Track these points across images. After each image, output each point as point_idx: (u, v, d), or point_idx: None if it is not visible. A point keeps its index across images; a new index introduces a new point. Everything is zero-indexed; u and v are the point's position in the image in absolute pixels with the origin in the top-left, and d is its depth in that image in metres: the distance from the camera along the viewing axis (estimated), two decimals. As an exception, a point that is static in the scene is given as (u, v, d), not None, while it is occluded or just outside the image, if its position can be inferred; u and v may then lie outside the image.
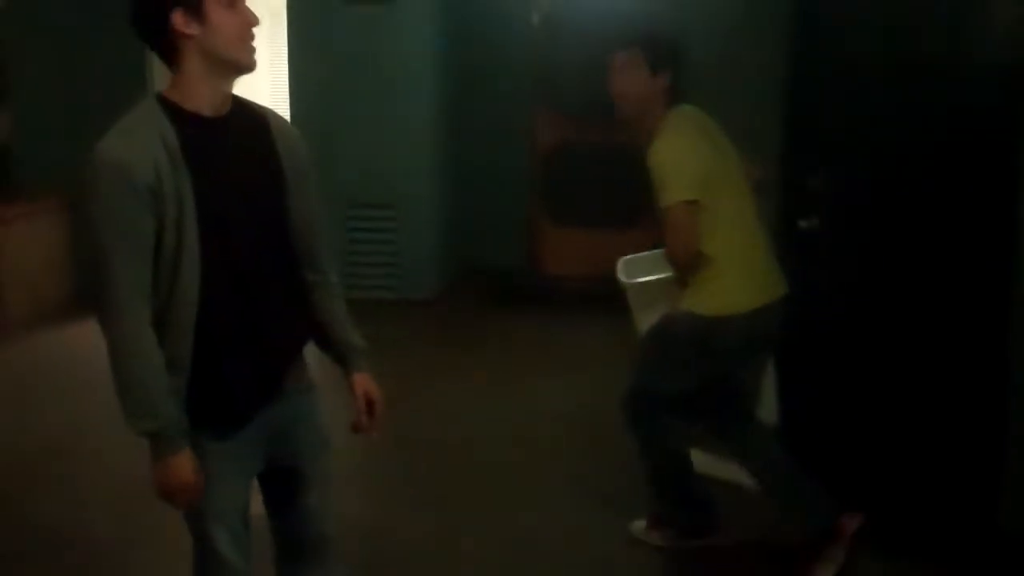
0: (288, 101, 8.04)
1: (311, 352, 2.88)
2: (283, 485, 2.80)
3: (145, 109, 2.49)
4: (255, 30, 2.55)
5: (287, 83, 8.12)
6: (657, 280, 4.34)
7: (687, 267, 3.77)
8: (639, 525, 4.34)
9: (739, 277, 3.81)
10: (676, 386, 3.90)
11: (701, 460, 4.36)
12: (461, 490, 4.93)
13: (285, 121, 2.82)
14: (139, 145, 2.39)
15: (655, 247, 4.51)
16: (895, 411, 4.36)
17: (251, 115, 2.69)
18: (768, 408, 4.65)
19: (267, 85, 8.78)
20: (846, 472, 4.32)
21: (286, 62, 8.12)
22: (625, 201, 7.87)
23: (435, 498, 4.84)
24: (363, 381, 2.92)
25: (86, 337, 7.15)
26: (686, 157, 3.77)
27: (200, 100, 2.50)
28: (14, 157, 8.33)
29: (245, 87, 2.63)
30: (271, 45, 8.35)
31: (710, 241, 3.73)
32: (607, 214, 7.94)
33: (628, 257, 4.90)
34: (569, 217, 8.05)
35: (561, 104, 7.91)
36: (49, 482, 5.01)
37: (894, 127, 4.29)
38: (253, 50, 2.56)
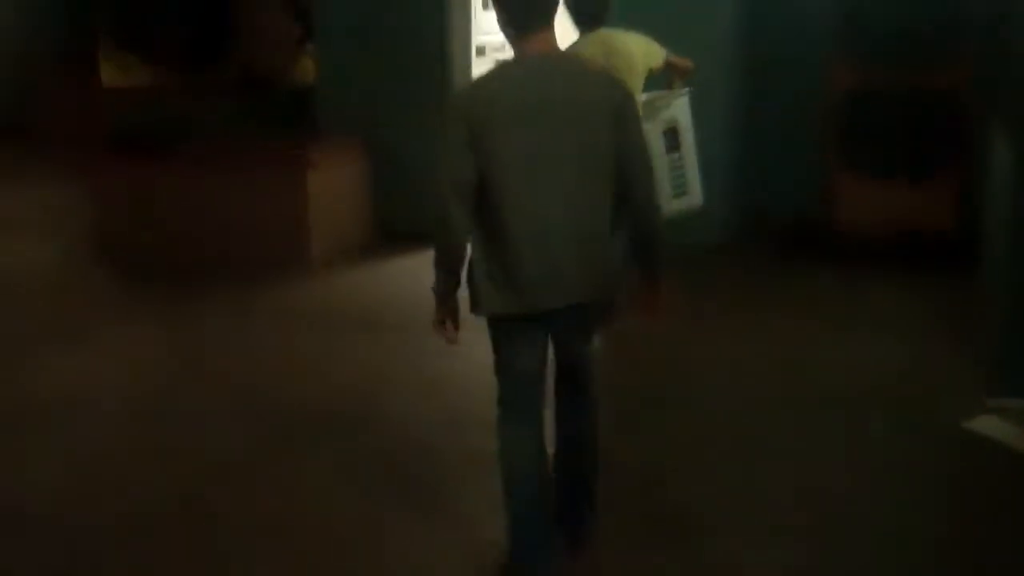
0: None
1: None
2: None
3: None
4: None
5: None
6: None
7: None
8: None
9: None
10: None
11: None
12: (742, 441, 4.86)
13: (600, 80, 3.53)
14: None
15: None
16: None
17: None
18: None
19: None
20: None
21: None
22: (923, 150, 7.57)
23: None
24: None
25: (384, 278, 7.59)
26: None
27: None
28: (318, 101, 8.72)
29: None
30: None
31: None
32: (904, 164, 7.64)
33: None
34: (863, 166, 7.76)
35: (859, 45, 7.64)
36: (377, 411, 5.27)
37: None
38: None
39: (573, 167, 3.33)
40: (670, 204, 5.66)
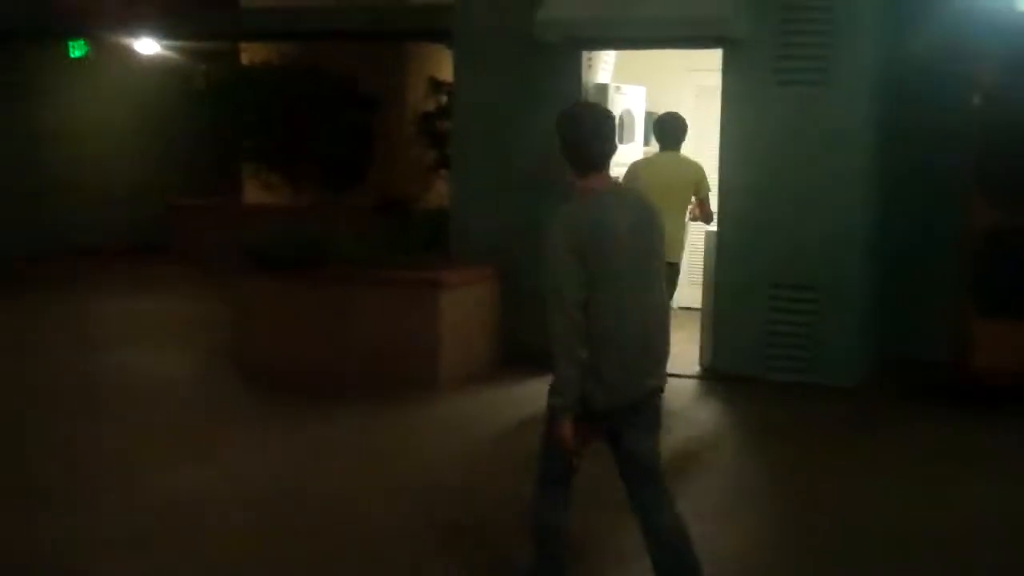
0: (718, 177, 8.10)
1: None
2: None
3: None
4: None
5: (719, 159, 8.19)
6: None
7: None
8: None
9: None
10: None
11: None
12: None
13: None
14: None
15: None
16: None
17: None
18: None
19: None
20: None
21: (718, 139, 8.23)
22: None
23: None
24: None
25: (508, 397, 7.64)
26: None
27: None
28: (452, 224, 8.95)
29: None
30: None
31: None
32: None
33: None
34: (1002, 308, 7.54)
35: (1000, 188, 7.51)
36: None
37: None
38: None
39: (652, 276, 4.01)
40: None
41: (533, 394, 7.57)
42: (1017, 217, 7.49)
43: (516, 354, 8.37)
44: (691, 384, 8.05)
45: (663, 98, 9.67)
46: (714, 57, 8.12)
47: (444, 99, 12.32)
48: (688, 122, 7.55)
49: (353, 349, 7.93)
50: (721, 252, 8.13)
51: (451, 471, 6.15)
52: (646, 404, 3.99)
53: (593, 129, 3.96)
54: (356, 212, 12.36)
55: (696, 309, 8.75)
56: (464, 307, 8.13)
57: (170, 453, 6.38)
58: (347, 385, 7.73)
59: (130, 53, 14.12)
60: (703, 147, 8.54)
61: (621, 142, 8.60)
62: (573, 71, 8.43)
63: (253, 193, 14.24)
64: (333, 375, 7.85)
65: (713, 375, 8.13)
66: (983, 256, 7.63)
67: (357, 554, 4.94)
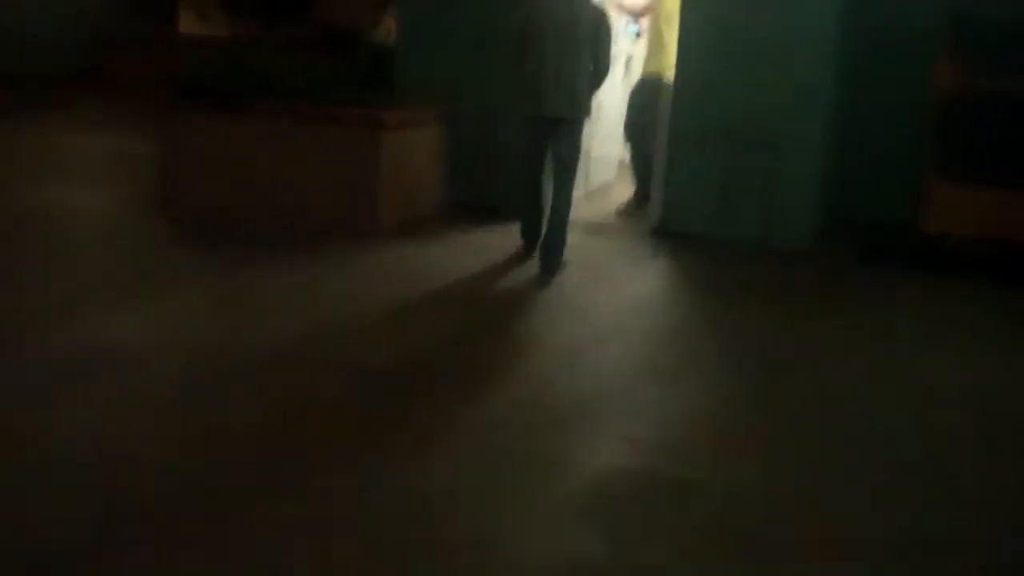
0: (678, 26, 7.71)
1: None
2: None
3: None
4: None
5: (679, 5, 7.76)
6: None
7: None
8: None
9: None
10: None
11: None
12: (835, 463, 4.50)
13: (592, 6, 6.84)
14: None
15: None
16: None
17: None
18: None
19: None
20: None
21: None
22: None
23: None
24: None
25: (451, 250, 7.36)
26: None
27: None
28: (397, 64, 8.48)
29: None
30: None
31: None
32: (1010, 172, 7.28)
33: None
34: (965, 172, 7.40)
35: (966, 49, 7.31)
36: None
37: None
38: None
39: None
40: None
41: (477, 245, 7.37)
42: (986, 79, 7.25)
43: (457, 205, 8.05)
44: (641, 242, 7.81)
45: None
46: None
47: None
48: None
49: (287, 191, 7.54)
50: (676, 103, 7.76)
51: (377, 321, 5.88)
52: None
53: None
54: (299, 46, 11.77)
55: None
56: (405, 150, 7.73)
57: (84, 301, 5.95)
58: (280, 230, 7.35)
59: None
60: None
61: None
62: None
63: (189, 24, 13.54)
64: (265, 219, 7.46)
65: (664, 233, 7.86)
66: (946, 118, 7.41)
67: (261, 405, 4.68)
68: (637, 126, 8.33)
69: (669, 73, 7.88)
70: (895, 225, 7.87)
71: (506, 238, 7.42)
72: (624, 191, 8.70)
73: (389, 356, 5.33)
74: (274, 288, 6.31)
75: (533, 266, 6.92)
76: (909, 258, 7.52)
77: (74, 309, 5.71)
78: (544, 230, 6.87)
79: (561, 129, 6.76)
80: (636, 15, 8.32)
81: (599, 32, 6.73)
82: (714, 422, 4.79)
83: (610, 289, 6.71)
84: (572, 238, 7.09)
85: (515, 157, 7.23)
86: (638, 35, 8.38)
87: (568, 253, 6.88)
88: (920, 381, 5.40)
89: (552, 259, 6.77)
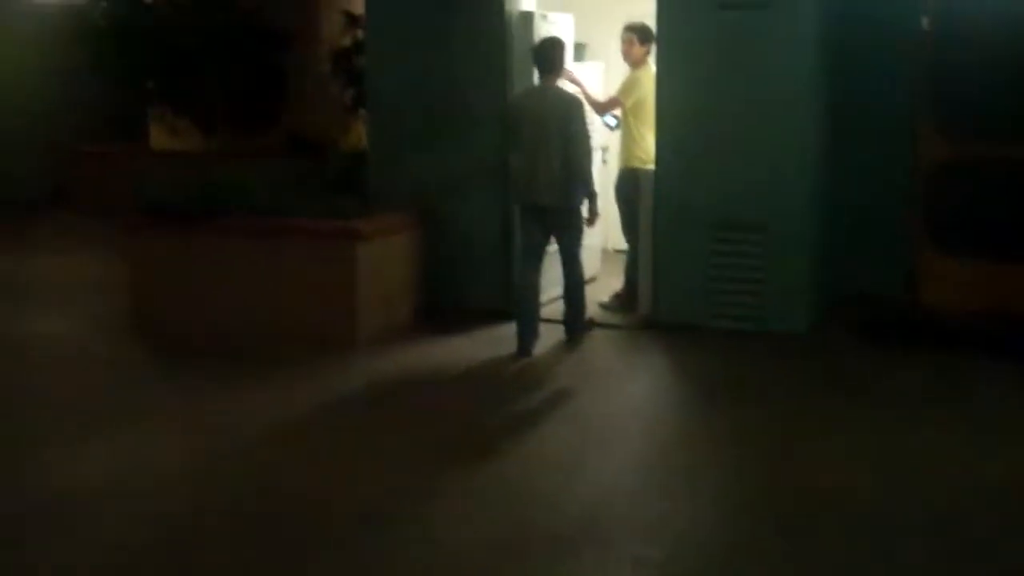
0: (655, 110, 7.55)
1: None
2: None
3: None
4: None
5: (655, 91, 7.59)
6: None
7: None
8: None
9: None
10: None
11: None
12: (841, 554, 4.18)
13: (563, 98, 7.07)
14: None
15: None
16: None
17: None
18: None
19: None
20: None
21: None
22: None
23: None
24: None
25: (428, 359, 7.09)
26: None
27: None
28: (368, 169, 8.27)
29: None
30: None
31: None
32: (1004, 242, 7.06)
33: None
34: (957, 244, 7.19)
35: (952, 117, 7.11)
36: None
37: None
38: None
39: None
40: None
41: (456, 352, 7.09)
42: (971, 147, 7.09)
43: (438, 309, 7.81)
44: (632, 336, 7.54)
45: (592, 27, 9.06)
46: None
47: (360, 34, 11.55)
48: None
49: (262, 306, 7.27)
50: (659, 190, 7.56)
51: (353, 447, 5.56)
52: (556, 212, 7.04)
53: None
54: (269, 156, 11.62)
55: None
56: (382, 259, 7.47)
57: (56, 430, 5.73)
58: (254, 348, 7.07)
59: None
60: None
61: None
62: (495, -2, 7.77)
63: (160, 139, 13.37)
64: (239, 337, 7.18)
65: (654, 324, 7.59)
66: (935, 189, 7.24)
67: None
68: (632, 226, 8.02)
69: (643, 165, 7.72)
70: (893, 298, 7.60)
71: (484, 344, 7.23)
72: (609, 283, 8.42)
73: (370, 488, 5.00)
74: (244, 413, 6.00)
75: (521, 370, 6.66)
76: (909, 334, 7.26)
77: (36, 450, 5.43)
78: (564, 305, 7.31)
79: (556, 219, 6.99)
80: (600, 111, 8.06)
81: (569, 120, 6.87)
82: (725, 539, 4.47)
83: (605, 389, 6.46)
84: (558, 333, 7.06)
85: (501, 257, 7.55)
86: (615, 127, 8.14)
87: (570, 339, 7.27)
88: (941, 478, 5.10)
89: (575, 328, 7.25)
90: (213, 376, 6.62)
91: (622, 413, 6.03)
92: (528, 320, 7.09)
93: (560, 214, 6.97)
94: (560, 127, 6.84)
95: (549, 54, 7.12)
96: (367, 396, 6.37)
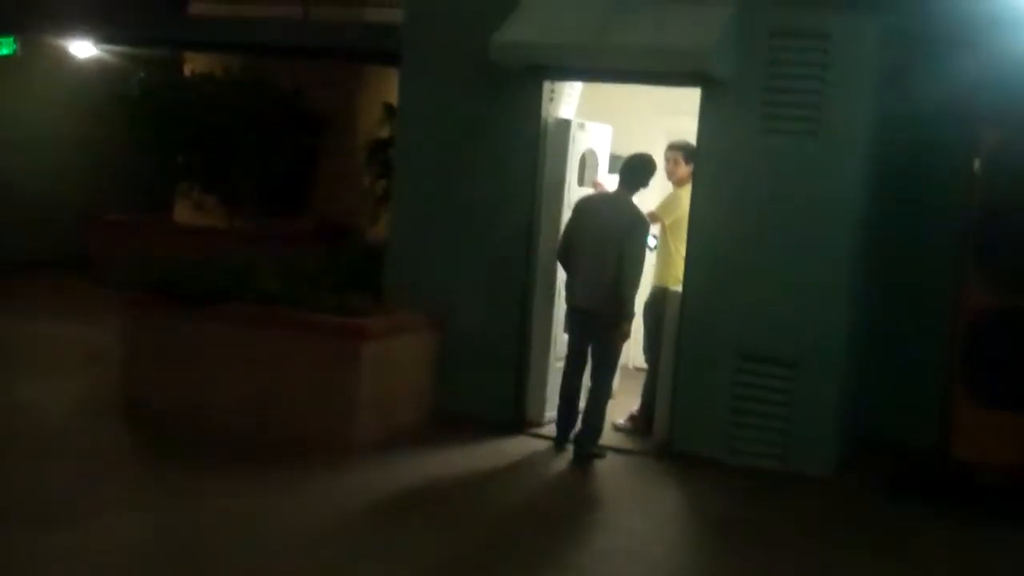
0: (688, 233, 7.25)
1: None
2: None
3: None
4: None
5: (689, 213, 7.31)
6: None
7: None
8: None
9: None
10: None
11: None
12: None
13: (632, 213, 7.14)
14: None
15: None
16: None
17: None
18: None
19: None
20: None
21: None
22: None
23: None
24: None
25: (429, 473, 6.70)
26: None
27: None
28: (386, 265, 7.98)
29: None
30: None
31: None
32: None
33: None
34: (996, 396, 6.97)
35: (998, 265, 6.99)
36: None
37: None
38: None
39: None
40: None
41: (460, 467, 6.68)
42: (1016, 297, 6.80)
43: (448, 415, 7.45)
44: (645, 463, 7.13)
45: (632, 140, 8.82)
46: (692, 97, 7.23)
47: (396, 126, 11.41)
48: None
49: (256, 400, 6.94)
50: (685, 315, 7.21)
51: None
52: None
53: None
54: (294, 240, 11.39)
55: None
56: (390, 359, 7.14)
57: (25, 515, 5.37)
58: (242, 444, 6.70)
59: (63, 54, 13.08)
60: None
61: (580, 184, 7.76)
62: (533, 102, 7.51)
63: (184, 213, 13.21)
64: (227, 430, 6.84)
65: (669, 453, 7.19)
66: (975, 336, 6.99)
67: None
68: (654, 346, 7.71)
69: (675, 285, 7.41)
70: (924, 448, 7.24)
71: (485, 460, 6.86)
72: (626, 403, 8.02)
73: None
74: (217, 519, 5.59)
75: (515, 494, 6.26)
76: (939, 490, 6.83)
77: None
78: (579, 421, 7.16)
79: (593, 324, 7.01)
80: None
81: (631, 238, 6.91)
82: None
83: (615, 529, 6.04)
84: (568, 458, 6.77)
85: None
86: (653, 248, 7.79)
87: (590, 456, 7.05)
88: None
89: (585, 449, 7.04)
90: (189, 474, 6.22)
91: (633, 558, 5.58)
92: (564, 415, 7.19)
93: (594, 321, 6.97)
94: (619, 239, 6.87)
95: (639, 170, 7.19)
96: (337, 522, 5.75)
